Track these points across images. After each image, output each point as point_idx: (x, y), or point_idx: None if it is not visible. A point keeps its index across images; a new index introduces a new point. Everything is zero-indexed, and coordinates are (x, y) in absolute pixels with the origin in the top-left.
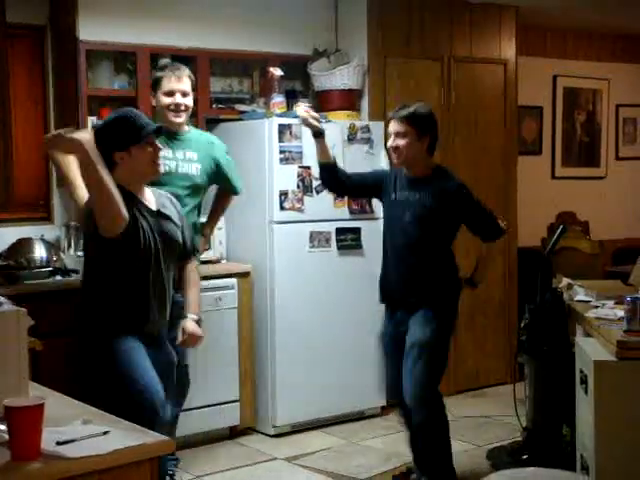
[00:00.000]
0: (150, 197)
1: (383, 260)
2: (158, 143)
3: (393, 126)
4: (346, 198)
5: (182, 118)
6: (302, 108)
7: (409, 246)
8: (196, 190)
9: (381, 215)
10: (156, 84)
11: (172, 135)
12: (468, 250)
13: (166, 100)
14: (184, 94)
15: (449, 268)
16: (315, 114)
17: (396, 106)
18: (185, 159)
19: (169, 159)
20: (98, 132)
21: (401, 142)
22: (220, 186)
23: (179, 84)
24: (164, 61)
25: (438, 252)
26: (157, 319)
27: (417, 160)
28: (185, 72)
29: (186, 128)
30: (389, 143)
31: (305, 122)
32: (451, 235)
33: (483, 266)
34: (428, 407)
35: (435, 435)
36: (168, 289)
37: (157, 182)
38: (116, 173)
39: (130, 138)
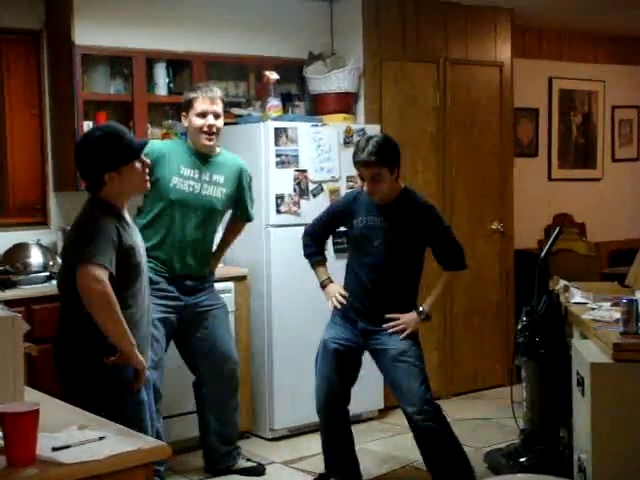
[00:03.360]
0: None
1: (346, 279)
2: (146, 159)
3: (365, 172)
4: None
5: (214, 141)
6: (334, 301)
7: (375, 269)
8: (212, 215)
9: None
10: (188, 105)
11: (202, 157)
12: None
13: (199, 122)
14: (216, 116)
15: (411, 293)
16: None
17: (392, 109)
18: (211, 182)
19: (195, 180)
20: (83, 149)
21: (379, 185)
22: (235, 212)
23: (212, 106)
24: (197, 84)
25: (404, 277)
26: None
27: (390, 190)
28: (218, 94)
29: (217, 150)
30: (366, 188)
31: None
32: (418, 260)
33: (435, 297)
34: (436, 412)
35: (446, 440)
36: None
37: (178, 201)
38: (105, 191)
39: (120, 158)
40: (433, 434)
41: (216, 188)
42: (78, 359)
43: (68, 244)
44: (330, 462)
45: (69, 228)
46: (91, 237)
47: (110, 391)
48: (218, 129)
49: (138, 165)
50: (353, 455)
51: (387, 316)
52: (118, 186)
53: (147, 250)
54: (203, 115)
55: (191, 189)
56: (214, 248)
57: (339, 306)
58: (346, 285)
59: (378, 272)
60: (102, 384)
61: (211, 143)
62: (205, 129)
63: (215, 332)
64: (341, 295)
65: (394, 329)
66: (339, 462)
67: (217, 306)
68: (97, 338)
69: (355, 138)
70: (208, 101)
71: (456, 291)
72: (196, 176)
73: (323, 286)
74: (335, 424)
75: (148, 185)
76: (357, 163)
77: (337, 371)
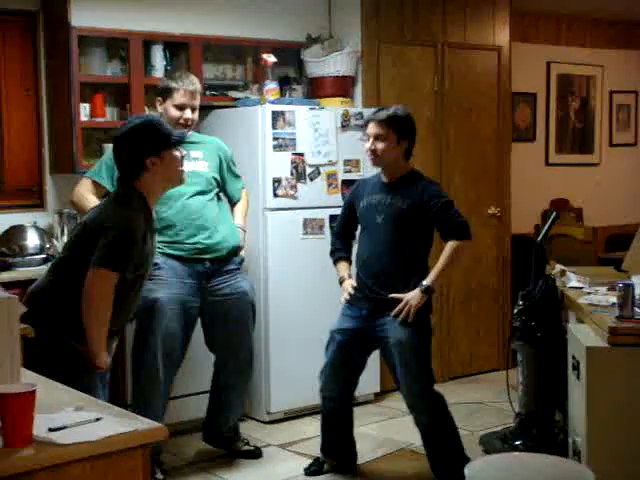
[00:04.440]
0: None
1: (356, 266)
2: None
3: (372, 128)
4: (340, 185)
5: (188, 133)
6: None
7: (379, 247)
8: (209, 183)
9: None
10: (167, 93)
11: None
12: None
13: (176, 113)
14: (194, 109)
15: (420, 272)
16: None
17: (390, 93)
18: (190, 159)
19: None
20: (125, 137)
21: (380, 145)
22: (226, 194)
23: (192, 100)
24: (177, 72)
25: (411, 255)
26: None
27: (394, 164)
28: (198, 87)
29: (190, 134)
30: (367, 145)
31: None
32: (424, 238)
33: (437, 269)
34: (431, 407)
35: (444, 435)
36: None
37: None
38: (144, 179)
39: (161, 143)
40: (426, 427)
41: (198, 162)
42: (47, 332)
43: (95, 237)
44: (326, 445)
45: (96, 212)
46: (124, 243)
47: (67, 367)
48: (193, 121)
49: (177, 154)
50: (350, 439)
51: (391, 296)
52: (158, 173)
53: (159, 224)
54: (181, 108)
55: None
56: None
57: (348, 297)
58: (356, 273)
59: (382, 247)
60: (62, 360)
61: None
62: (181, 121)
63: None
64: (351, 287)
65: (400, 313)
66: (335, 445)
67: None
68: (74, 323)
69: (352, 122)
70: (189, 95)
71: (452, 275)
72: None
73: (340, 282)
74: (335, 409)
75: (186, 177)
76: (368, 120)
77: (342, 362)
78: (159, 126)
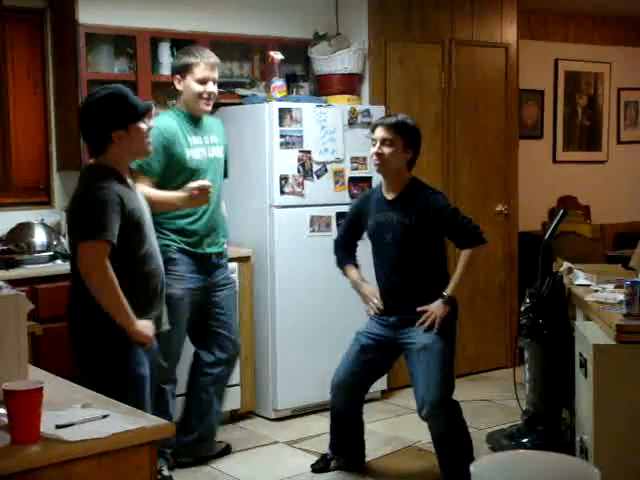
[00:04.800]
0: None
1: (376, 278)
2: (151, 123)
3: (380, 132)
4: (347, 182)
5: (210, 106)
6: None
7: (392, 266)
8: (220, 177)
9: None
10: (186, 69)
11: (196, 121)
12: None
13: (199, 88)
14: (215, 82)
15: (440, 282)
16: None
17: (398, 90)
18: (211, 144)
19: (202, 146)
20: (90, 109)
21: (387, 150)
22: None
23: (212, 72)
24: (192, 47)
25: (427, 267)
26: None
27: (397, 173)
28: (217, 60)
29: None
30: (373, 149)
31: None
32: (436, 249)
33: (457, 278)
34: (447, 416)
35: (457, 443)
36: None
37: (193, 170)
38: (110, 153)
39: (128, 116)
40: (440, 435)
41: (216, 148)
42: (87, 333)
43: (70, 219)
44: (335, 443)
45: (70, 201)
46: (94, 211)
47: (113, 365)
48: (215, 95)
49: (144, 126)
50: (360, 439)
51: (418, 309)
52: (125, 146)
53: (183, 230)
54: (204, 82)
55: (203, 156)
56: None
57: (375, 313)
58: (377, 283)
59: (395, 267)
60: (107, 359)
61: (209, 108)
62: (205, 95)
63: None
64: (377, 299)
65: (425, 323)
66: (345, 444)
67: (230, 285)
68: (103, 314)
69: (359, 119)
70: (209, 68)
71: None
72: (200, 142)
73: (355, 287)
74: (346, 408)
75: (151, 148)
76: (376, 125)
77: (360, 364)
78: (126, 98)
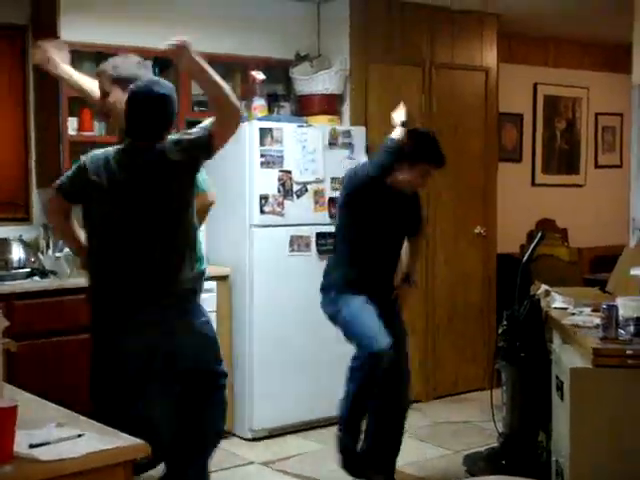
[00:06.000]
0: None
1: (356, 259)
2: None
3: (432, 170)
4: (327, 202)
5: None
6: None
7: (389, 249)
8: None
9: None
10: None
11: None
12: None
13: None
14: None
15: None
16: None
17: (379, 111)
18: None
19: None
20: (173, 98)
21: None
22: None
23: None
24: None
25: (397, 254)
26: None
27: None
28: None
29: None
30: (421, 181)
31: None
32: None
33: (413, 262)
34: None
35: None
36: None
37: None
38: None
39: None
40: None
41: None
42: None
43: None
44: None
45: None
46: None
47: None
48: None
49: None
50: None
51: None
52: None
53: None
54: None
55: None
56: None
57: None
58: (361, 267)
59: (389, 251)
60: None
61: None
62: None
63: None
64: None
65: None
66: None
67: None
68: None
69: (340, 140)
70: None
71: (438, 294)
72: None
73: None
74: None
75: None
76: (438, 165)
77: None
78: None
